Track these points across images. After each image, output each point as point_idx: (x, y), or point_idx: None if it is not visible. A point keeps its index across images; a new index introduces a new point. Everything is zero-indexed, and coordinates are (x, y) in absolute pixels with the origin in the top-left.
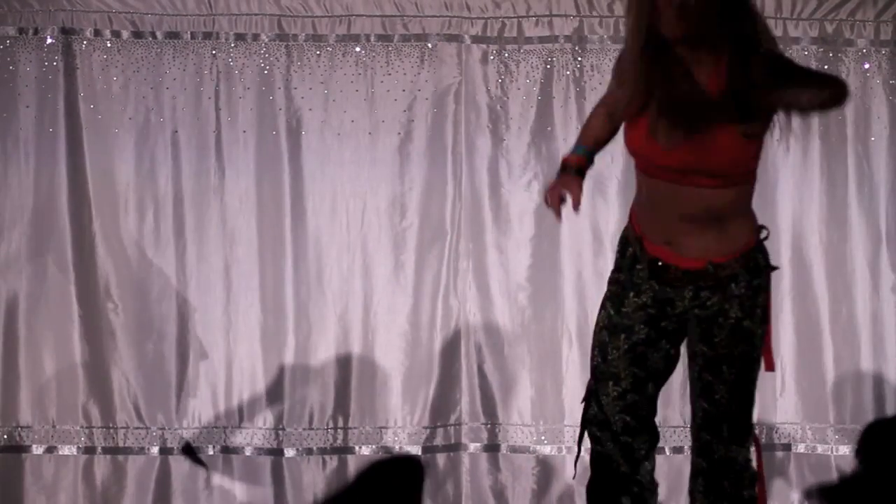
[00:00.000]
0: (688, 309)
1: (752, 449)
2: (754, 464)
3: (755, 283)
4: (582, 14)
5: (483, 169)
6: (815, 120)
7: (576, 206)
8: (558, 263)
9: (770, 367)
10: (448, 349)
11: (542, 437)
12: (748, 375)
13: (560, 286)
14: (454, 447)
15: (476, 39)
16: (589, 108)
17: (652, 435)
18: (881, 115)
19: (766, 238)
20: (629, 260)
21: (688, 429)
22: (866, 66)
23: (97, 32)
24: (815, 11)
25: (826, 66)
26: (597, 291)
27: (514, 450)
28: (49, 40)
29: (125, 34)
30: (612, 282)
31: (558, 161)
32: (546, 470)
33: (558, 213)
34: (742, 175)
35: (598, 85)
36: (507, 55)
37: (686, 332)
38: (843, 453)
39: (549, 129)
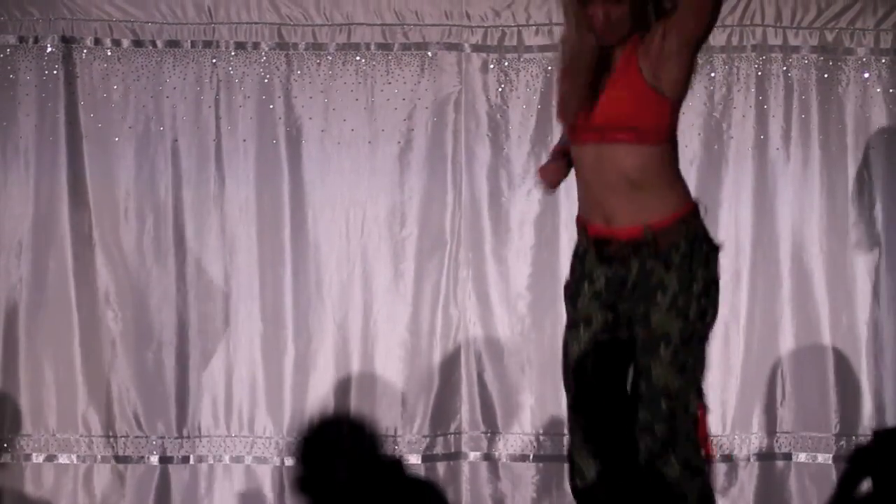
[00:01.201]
0: (638, 282)
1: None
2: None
3: (694, 253)
4: None
5: (483, 178)
6: (815, 128)
7: (551, 185)
8: (558, 272)
9: (707, 451)
10: (448, 358)
11: (542, 446)
12: (685, 348)
13: (560, 295)
14: (454, 456)
15: (476, 48)
16: None
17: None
18: (881, 123)
19: (704, 213)
20: (580, 254)
21: None
22: (866, 74)
23: (97, 41)
24: (815, 20)
25: (826, 75)
26: None
27: (514, 458)
28: (49, 49)
29: (125, 43)
30: (567, 286)
31: None
32: (546, 479)
33: (547, 188)
34: (655, 131)
35: None
36: (507, 64)
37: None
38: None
39: (549, 137)
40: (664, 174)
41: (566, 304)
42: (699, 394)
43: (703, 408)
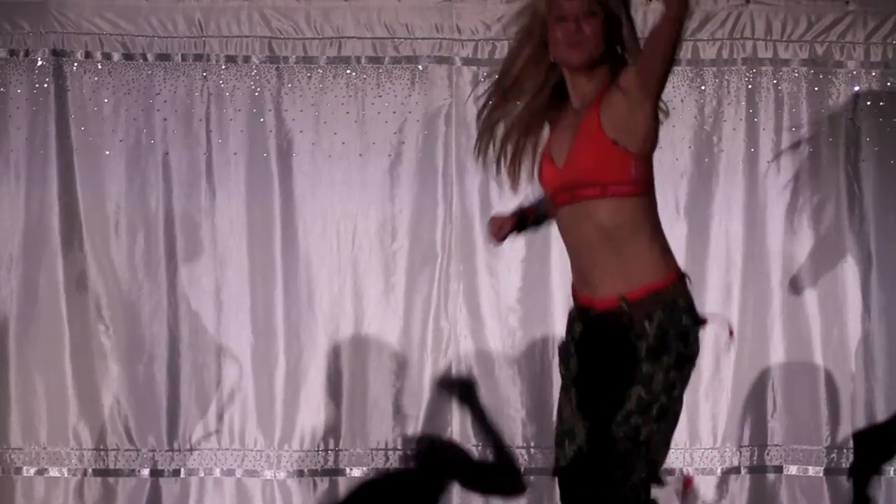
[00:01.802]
0: (610, 355)
1: None
2: None
3: (669, 327)
4: None
5: (474, 191)
6: (805, 141)
7: (495, 237)
8: (549, 285)
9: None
10: (439, 371)
11: (534, 459)
12: (640, 416)
13: (551, 307)
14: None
15: (467, 61)
16: None
17: None
18: (871, 137)
19: (689, 286)
20: (571, 322)
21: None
22: (856, 88)
23: (88, 54)
24: (805, 33)
25: (816, 88)
26: None
27: None
28: (40, 62)
29: (116, 56)
30: (560, 349)
31: None
32: (538, 492)
33: (493, 240)
34: (619, 185)
35: None
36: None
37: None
38: (834, 475)
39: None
40: (640, 230)
41: (560, 366)
42: (651, 471)
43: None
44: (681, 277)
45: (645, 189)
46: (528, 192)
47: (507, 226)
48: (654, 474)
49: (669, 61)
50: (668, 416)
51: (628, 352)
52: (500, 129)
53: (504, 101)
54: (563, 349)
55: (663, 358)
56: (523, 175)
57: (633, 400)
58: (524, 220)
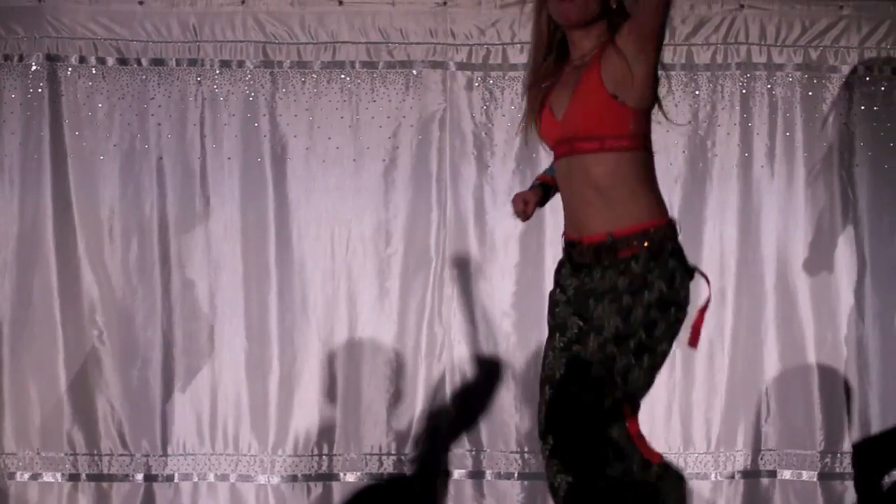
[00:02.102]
0: (597, 291)
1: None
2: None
3: (655, 265)
4: None
5: (468, 195)
6: (799, 146)
7: (522, 213)
8: (543, 290)
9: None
10: (433, 376)
11: (527, 464)
12: (616, 346)
13: (545, 312)
14: (439, 474)
15: (461, 66)
16: None
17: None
18: (864, 141)
19: (678, 231)
20: (559, 267)
21: (672, 454)
22: (850, 92)
23: (82, 59)
24: (800, 38)
25: (810, 93)
26: None
27: (499, 476)
28: (34, 67)
29: (110, 61)
30: (549, 296)
31: None
32: (531, 497)
33: (520, 217)
34: (618, 139)
35: None
36: (491, 82)
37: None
38: (828, 480)
39: (533, 155)
40: (632, 182)
41: (547, 317)
42: (631, 404)
43: (632, 421)
44: (670, 223)
45: (642, 144)
46: None
47: (531, 200)
48: (632, 408)
49: (663, 17)
50: (649, 355)
51: (613, 287)
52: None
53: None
54: (551, 296)
55: (644, 293)
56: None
57: (611, 329)
58: (547, 189)
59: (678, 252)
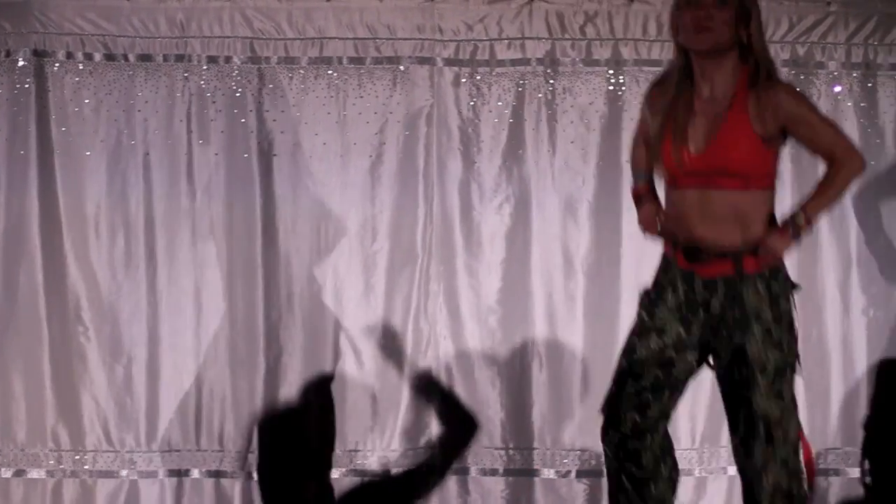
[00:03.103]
0: (723, 311)
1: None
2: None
3: (777, 289)
4: (554, 37)
5: (454, 192)
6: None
7: (654, 230)
8: (529, 286)
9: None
10: (418, 372)
11: (512, 460)
12: (781, 378)
13: (531, 309)
14: (421, 470)
15: (448, 62)
16: (560, 130)
17: (664, 443)
18: (852, 137)
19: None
20: (665, 268)
21: None
22: (837, 88)
23: (69, 55)
24: (787, 34)
25: (798, 89)
26: (567, 314)
27: (484, 473)
28: (21, 62)
29: (97, 56)
30: (645, 294)
31: (530, 184)
32: (515, 493)
33: (655, 232)
34: (760, 177)
35: (570, 107)
36: (479, 78)
37: (711, 349)
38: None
39: (520, 151)
40: (761, 217)
41: (641, 312)
42: (798, 424)
43: (803, 437)
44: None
45: (775, 181)
46: None
47: (661, 213)
48: (799, 425)
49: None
50: (796, 372)
51: (757, 317)
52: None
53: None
54: (648, 294)
55: (783, 320)
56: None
57: (772, 366)
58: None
59: (786, 270)
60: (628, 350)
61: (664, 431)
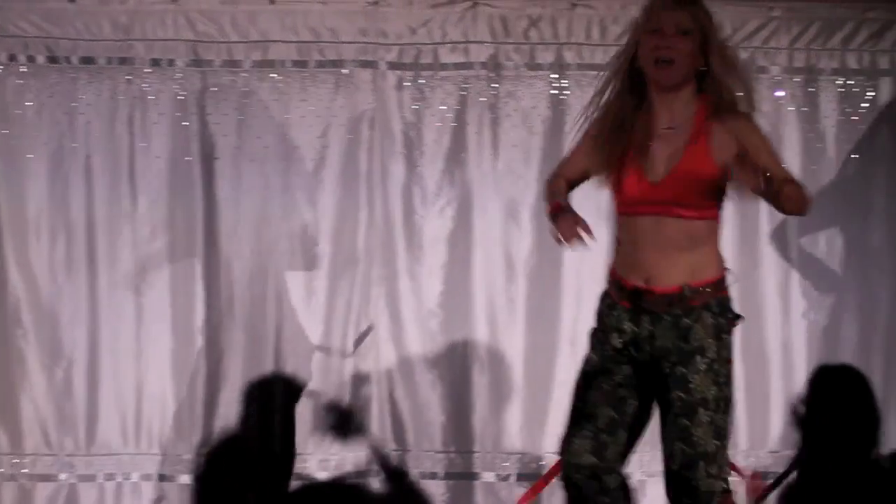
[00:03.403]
0: (670, 346)
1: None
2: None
3: (723, 318)
4: (497, 41)
5: (396, 195)
6: None
7: (590, 233)
8: (470, 290)
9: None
10: (359, 375)
11: (453, 464)
12: (720, 414)
13: (472, 312)
14: (364, 474)
15: (391, 66)
16: (503, 134)
17: (622, 483)
18: (793, 142)
19: (733, 282)
20: (607, 307)
21: None
22: (779, 93)
23: (12, 57)
24: (729, 39)
25: (740, 94)
26: (508, 317)
27: (425, 476)
28: None
29: (40, 59)
30: (592, 333)
31: (472, 187)
32: (456, 497)
33: (576, 242)
34: (714, 208)
35: (513, 111)
36: (422, 82)
37: (659, 383)
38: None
39: (462, 155)
40: (712, 241)
41: (590, 350)
42: (727, 456)
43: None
44: (726, 274)
45: (723, 206)
46: None
47: (580, 219)
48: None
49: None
50: (732, 406)
51: (700, 350)
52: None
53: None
54: (596, 335)
55: (722, 353)
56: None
57: (713, 401)
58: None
59: (730, 302)
60: (580, 390)
61: (622, 474)
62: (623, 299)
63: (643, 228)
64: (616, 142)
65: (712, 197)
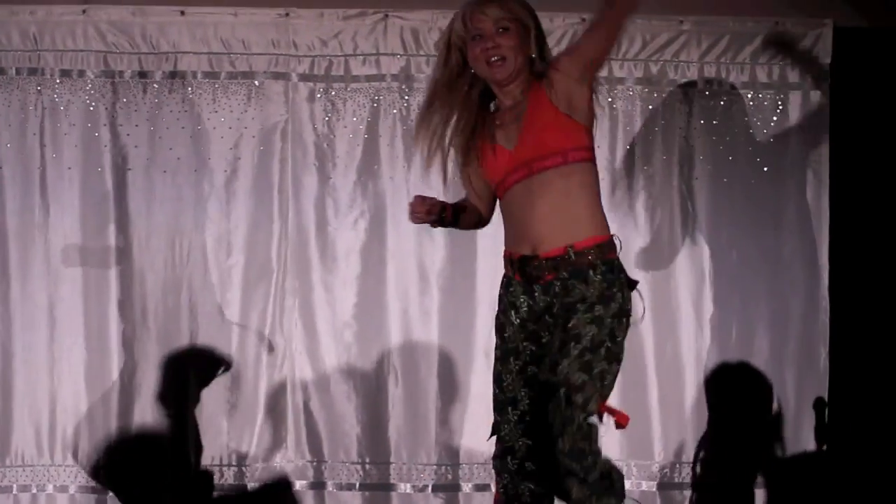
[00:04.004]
0: (560, 303)
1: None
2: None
3: (612, 276)
4: (409, 53)
5: (310, 207)
6: (639, 159)
7: (423, 216)
8: (384, 301)
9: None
10: (274, 387)
11: (369, 475)
12: (592, 353)
13: (386, 324)
14: (280, 485)
15: (303, 77)
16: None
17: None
18: (704, 155)
19: (620, 247)
20: (506, 285)
21: None
22: (690, 106)
23: None
24: (640, 52)
25: (651, 106)
26: (423, 328)
27: (341, 487)
28: None
29: None
30: (496, 318)
31: (385, 199)
32: None
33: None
34: (576, 151)
35: None
36: (334, 93)
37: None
38: (667, 490)
39: (375, 167)
40: (590, 194)
41: (496, 337)
42: (602, 398)
43: (613, 408)
44: (613, 237)
45: (592, 155)
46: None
47: (436, 205)
48: (601, 411)
49: (611, 49)
50: (614, 360)
51: (581, 298)
52: (436, 132)
53: (433, 109)
54: (499, 318)
55: (611, 304)
56: (450, 170)
57: (588, 338)
58: (442, 213)
59: (622, 265)
60: (496, 378)
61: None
62: (515, 272)
63: (518, 197)
64: (472, 139)
65: (570, 140)
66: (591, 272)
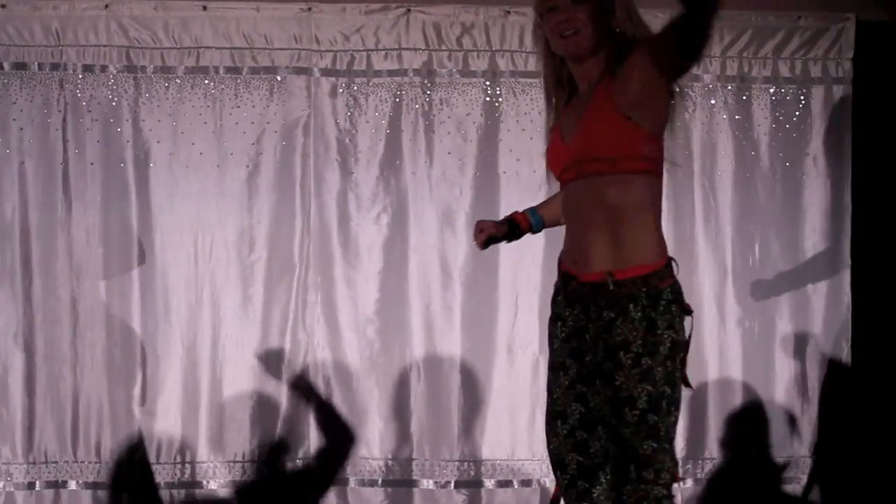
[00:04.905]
0: (598, 336)
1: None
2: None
3: (655, 315)
4: (431, 48)
5: (332, 202)
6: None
7: (480, 241)
8: (406, 296)
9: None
10: (296, 382)
11: (391, 471)
12: (654, 413)
13: (408, 319)
14: None
15: (325, 72)
16: (437, 140)
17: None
18: (727, 150)
19: (675, 272)
20: (555, 297)
21: (536, 461)
22: (712, 101)
23: None
24: None
25: (673, 101)
26: (445, 324)
27: (363, 483)
28: None
29: None
30: (549, 323)
31: (407, 194)
32: (394, 503)
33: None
34: (628, 160)
35: (447, 118)
36: (356, 88)
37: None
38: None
39: (397, 162)
40: (641, 211)
41: (549, 344)
42: (673, 461)
43: (677, 475)
44: (668, 264)
45: (654, 167)
46: None
47: (486, 230)
48: (675, 462)
49: (686, 59)
50: (675, 403)
51: (624, 344)
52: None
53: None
54: (551, 326)
55: (658, 351)
56: None
57: (643, 399)
58: (513, 227)
59: (677, 293)
60: (548, 386)
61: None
62: (561, 285)
63: (570, 200)
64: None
65: (622, 146)
66: (630, 306)
